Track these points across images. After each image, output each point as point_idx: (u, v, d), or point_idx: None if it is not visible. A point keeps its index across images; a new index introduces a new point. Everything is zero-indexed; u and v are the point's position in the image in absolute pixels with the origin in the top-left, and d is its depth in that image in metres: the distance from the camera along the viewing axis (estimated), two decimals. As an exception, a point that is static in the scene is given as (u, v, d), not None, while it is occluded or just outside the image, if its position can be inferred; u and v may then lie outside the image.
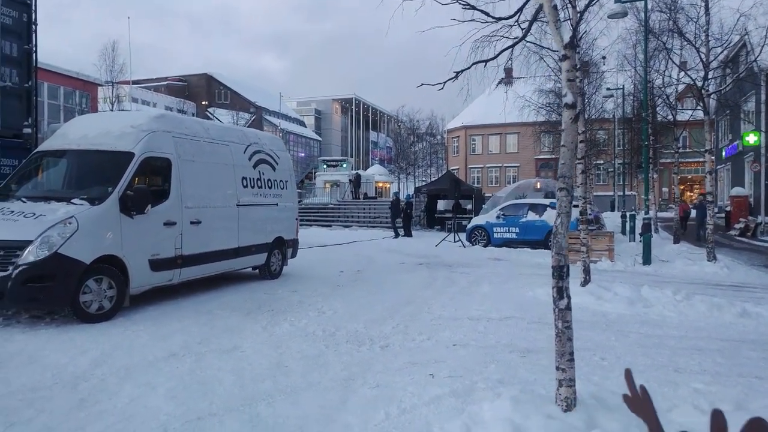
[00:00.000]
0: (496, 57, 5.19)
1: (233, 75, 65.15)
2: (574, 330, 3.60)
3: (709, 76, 13.28)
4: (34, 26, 12.08)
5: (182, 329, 6.11)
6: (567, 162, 3.68)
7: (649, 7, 13.39)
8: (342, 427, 3.59)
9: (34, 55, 12.11)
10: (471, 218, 21.61)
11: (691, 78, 13.83)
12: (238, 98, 57.63)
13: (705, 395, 3.96)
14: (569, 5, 8.46)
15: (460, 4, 5.24)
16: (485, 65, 5.21)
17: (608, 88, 23.94)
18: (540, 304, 7.58)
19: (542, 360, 4.90)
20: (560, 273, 3.56)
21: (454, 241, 18.41)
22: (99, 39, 67.73)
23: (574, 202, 6.93)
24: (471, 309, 7.39)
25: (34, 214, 6.41)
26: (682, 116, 18.24)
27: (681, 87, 17.23)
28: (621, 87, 23.52)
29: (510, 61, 7.10)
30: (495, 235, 17.57)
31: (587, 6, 8.62)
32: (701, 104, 13.46)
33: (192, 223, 7.99)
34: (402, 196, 26.43)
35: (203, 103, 56.10)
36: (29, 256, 6.02)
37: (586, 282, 8.94)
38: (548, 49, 11.24)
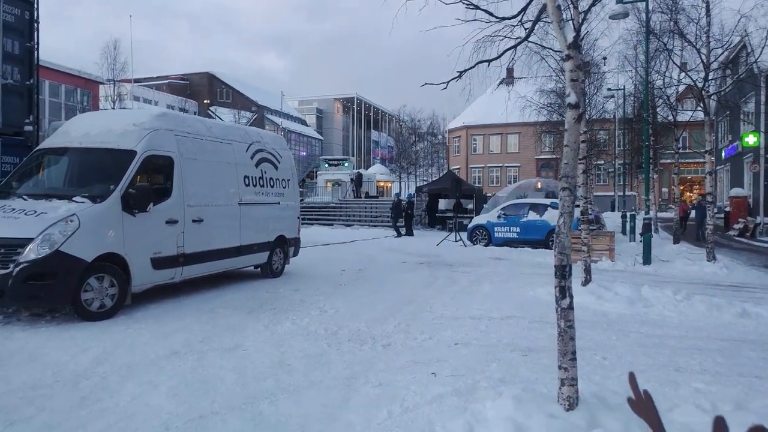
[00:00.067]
0: (499, 57, 5.20)
1: (235, 74, 65.14)
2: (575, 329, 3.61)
3: (710, 77, 13.29)
4: (36, 24, 12.07)
5: (184, 327, 6.11)
6: (570, 162, 3.68)
7: (651, 7, 13.40)
8: (344, 425, 3.60)
9: (35, 52, 12.09)
10: (472, 218, 21.63)
11: (691, 79, 13.83)
12: (240, 97, 57.53)
13: (706, 395, 3.97)
14: (571, 6, 8.47)
15: (463, 3, 5.25)
16: (488, 65, 5.22)
17: (609, 89, 23.95)
18: (541, 304, 7.61)
19: (543, 359, 4.91)
20: (563, 272, 3.57)
21: (455, 241, 18.42)
22: (101, 37, 67.98)
23: (576, 202, 6.93)
24: (472, 308, 7.40)
25: (36, 212, 6.40)
26: (683, 117, 18.24)
27: (681, 88, 17.21)
28: (622, 88, 23.51)
29: (512, 61, 7.11)
30: (496, 235, 17.60)
31: (591, 6, 8.63)
32: (701, 105, 13.47)
33: (194, 221, 7.99)
34: (403, 196, 26.48)
35: (205, 101, 56.02)
36: (30, 253, 6.01)
37: (586, 282, 8.96)
38: (550, 49, 11.24)
